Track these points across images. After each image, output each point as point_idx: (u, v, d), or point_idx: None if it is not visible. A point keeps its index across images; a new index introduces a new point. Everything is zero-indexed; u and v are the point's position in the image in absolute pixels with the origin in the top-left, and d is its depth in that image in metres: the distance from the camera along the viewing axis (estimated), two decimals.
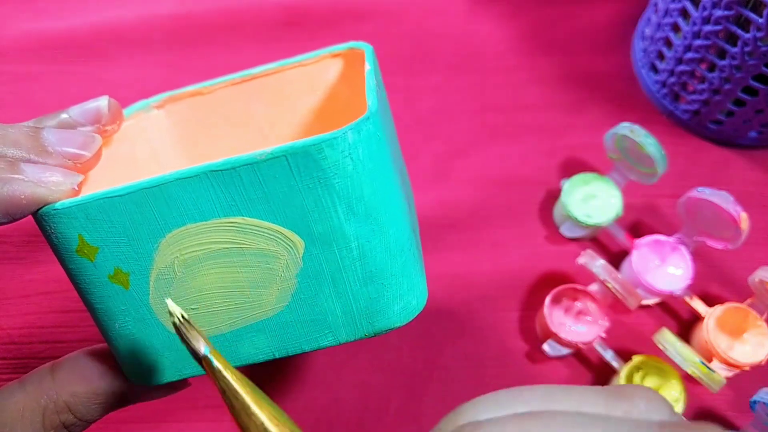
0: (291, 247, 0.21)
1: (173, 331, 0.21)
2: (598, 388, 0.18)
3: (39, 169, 0.21)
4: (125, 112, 0.29)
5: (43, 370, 0.25)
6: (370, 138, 0.21)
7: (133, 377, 0.24)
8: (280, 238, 0.21)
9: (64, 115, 0.24)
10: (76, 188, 0.21)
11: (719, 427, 0.15)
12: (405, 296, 0.23)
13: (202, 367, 0.20)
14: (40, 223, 0.21)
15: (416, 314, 0.24)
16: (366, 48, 0.28)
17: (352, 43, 0.29)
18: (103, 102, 0.25)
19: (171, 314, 0.20)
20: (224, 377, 0.19)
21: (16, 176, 0.20)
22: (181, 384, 0.26)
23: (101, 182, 0.25)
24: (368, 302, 0.22)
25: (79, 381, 0.24)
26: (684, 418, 0.17)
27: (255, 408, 0.19)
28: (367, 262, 0.22)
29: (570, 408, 0.17)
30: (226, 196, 0.20)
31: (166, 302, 0.21)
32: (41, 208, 0.21)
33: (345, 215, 0.21)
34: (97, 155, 0.24)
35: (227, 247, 0.21)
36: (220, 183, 0.20)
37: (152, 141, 0.30)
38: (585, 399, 0.17)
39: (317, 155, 0.20)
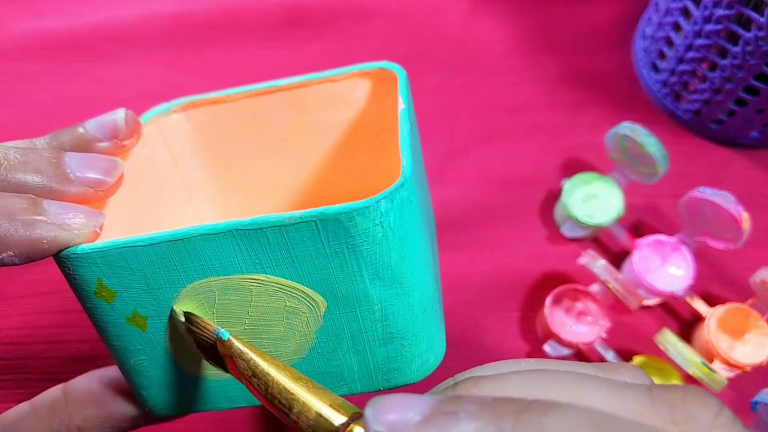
0: (313, 306, 0.21)
1: (190, 342, 0.21)
2: (585, 362, 0.19)
3: (62, 209, 0.20)
4: (145, 116, 0.28)
5: (55, 393, 0.25)
6: (403, 205, 0.20)
7: (147, 407, 0.24)
8: (303, 297, 0.21)
9: (80, 130, 0.23)
10: (98, 231, 0.21)
11: (702, 390, 0.16)
12: (424, 354, 0.23)
13: (219, 358, 0.21)
14: (59, 263, 0.21)
15: (433, 370, 0.24)
16: (399, 72, 0.27)
17: (383, 63, 0.28)
18: (120, 115, 0.24)
19: (177, 319, 0.21)
20: (251, 358, 0.20)
21: (39, 218, 0.20)
22: None
23: (123, 189, 0.25)
24: (386, 360, 0.22)
25: (93, 405, 0.24)
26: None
27: (283, 384, 0.19)
28: (389, 323, 0.21)
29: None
30: (251, 254, 0.20)
31: (174, 311, 0.21)
32: (60, 251, 0.20)
33: (371, 279, 0.20)
34: (119, 180, 0.23)
35: (247, 301, 0.21)
36: (246, 241, 0.20)
37: (171, 145, 0.30)
38: (575, 367, 0.18)
39: (347, 222, 0.19)
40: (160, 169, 0.29)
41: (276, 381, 0.19)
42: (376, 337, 0.22)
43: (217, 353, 0.21)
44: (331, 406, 0.18)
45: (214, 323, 0.21)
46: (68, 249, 0.20)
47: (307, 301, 0.21)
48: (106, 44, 0.51)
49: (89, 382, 0.25)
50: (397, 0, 0.52)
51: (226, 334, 0.20)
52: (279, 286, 0.21)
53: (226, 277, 0.21)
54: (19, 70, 0.50)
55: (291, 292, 0.21)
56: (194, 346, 0.22)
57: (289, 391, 0.18)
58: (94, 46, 0.51)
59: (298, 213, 0.19)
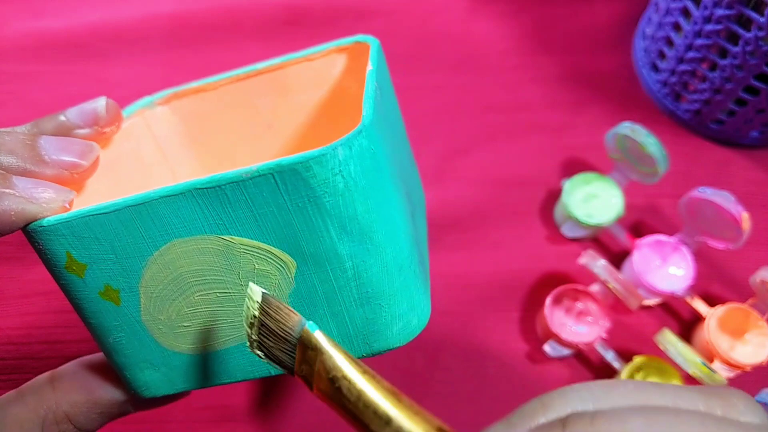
0: (282, 267, 0.21)
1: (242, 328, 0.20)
2: (691, 387, 0.17)
3: (31, 184, 0.21)
4: (129, 109, 0.29)
5: (42, 380, 0.25)
6: (363, 153, 0.19)
7: (131, 388, 0.24)
8: (270, 258, 0.20)
9: (61, 117, 0.23)
10: (68, 206, 0.21)
11: None
12: (405, 316, 0.22)
13: (288, 360, 0.19)
14: (29, 238, 0.21)
15: (417, 333, 0.23)
16: (372, 42, 0.27)
17: (358, 37, 0.28)
18: (101, 103, 0.24)
19: (249, 298, 0.19)
20: (336, 359, 0.18)
21: (7, 191, 0.20)
22: (180, 393, 0.25)
23: (108, 182, 0.25)
24: (365, 323, 0.22)
25: (79, 391, 0.24)
26: None
27: (381, 396, 0.17)
28: (363, 282, 0.21)
29: (669, 403, 0.17)
30: (212, 214, 0.20)
31: (249, 286, 0.20)
32: (29, 223, 0.20)
33: (337, 235, 0.20)
34: (95, 164, 0.23)
35: (216, 266, 0.21)
36: (206, 201, 0.19)
37: (157, 137, 0.30)
38: (681, 396, 0.17)
39: (305, 173, 0.19)
40: (146, 162, 0.29)
41: (372, 391, 0.17)
42: (351, 297, 0.21)
43: (289, 345, 0.19)
44: (439, 430, 0.16)
45: (291, 309, 0.19)
46: (35, 222, 0.20)
47: (276, 262, 0.20)
48: (105, 44, 0.51)
49: (76, 368, 0.25)
50: (397, 0, 0.52)
51: (314, 327, 0.19)
52: (245, 247, 0.20)
53: (191, 238, 0.20)
54: (19, 70, 0.50)
55: (258, 253, 0.20)
56: (253, 332, 0.20)
57: (385, 405, 0.17)
58: (94, 46, 0.51)
59: (254, 167, 0.19)
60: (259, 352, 0.20)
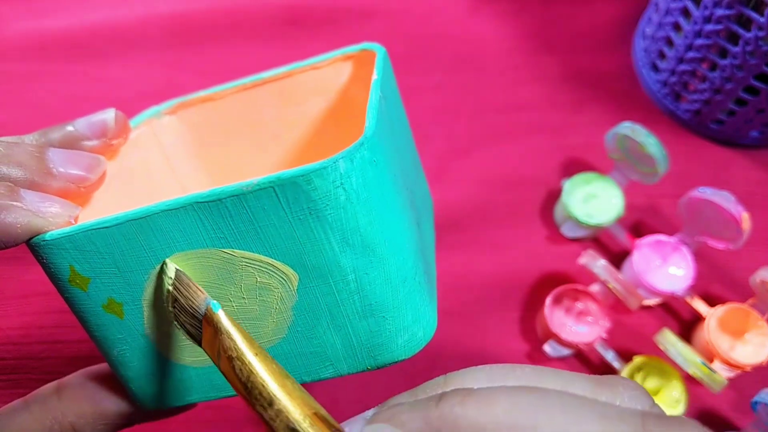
0: (284, 280, 0.20)
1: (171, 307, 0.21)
2: (585, 375, 0.18)
3: (38, 198, 0.21)
4: (136, 119, 0.28)
5: (48, 390, 0.25)
6: (365, 165, 0.19)
7: (136, 401, 0.24)
8: (272, 271, 0.20)
9: (69, 128, 0.23)
10: (73, 221, 0.21)
11: (698, 423, 0.16)
12: (410, 328, 0.22)
13: (196, 328, 0.20)
14: (33, 252, 0.21)
15: (423, 346, 0.23)
16: (378, 50, 0.26)
17: (365, 45, 0.28)
18: (109, 115, 0.24)
19: (164, 273, 0.20)
20: (237, 339, 0.19)
21: (15, 204, 0.20)
22: (186, 405, 0.25)
23: (115, 193, 0.25)
24: (369, 336, 0.22)
25: (86, 402, 0.24)
26: (664, 411, 0.17)
27: (268, 378, 0.18)
28: (366, 294, 0.21)
29: (558, 388, 0.17)
30: (213, 227, 0.20)
31: (165, 263, 0.20)
32: (33, 237, 0.20)
33: (340, 247, 0.20)
34: (102, 178, 0.23)
35: (218, 279, 0.21)
36: (207, 214, 0.19)
37: (165, 147, 0.30)
38: (573, 382, 0.17)
39: (306, 186, 0.18)
40: (154, 172, 0.29)
41: (260, 372, 0.18)
42: (355, 310, 0.21)
43: (196, 322, 0.20)
44: (315, 415, 0.17)
45: (199, 287, 0.20)
46: (38, 236, 0.20)
47: (278, 275, 0.20)
48: (106, 44, 0.51)
49: (83, 379, 0.25)
50: (397, 0, 0.52)
51: (217, 306, 0.19)
52: (247, 260, 0.20)
53: (192, 251, 0.20)
54: (19, 70, 0.50)
55: (260, 266, 0.20)
56: (170, 305, 0.21)
57: (271, 386, 0.18)
58: (94, 46, 0.51)
59: (255, 180, 0.19)
60: (176, 324, 0.21)
